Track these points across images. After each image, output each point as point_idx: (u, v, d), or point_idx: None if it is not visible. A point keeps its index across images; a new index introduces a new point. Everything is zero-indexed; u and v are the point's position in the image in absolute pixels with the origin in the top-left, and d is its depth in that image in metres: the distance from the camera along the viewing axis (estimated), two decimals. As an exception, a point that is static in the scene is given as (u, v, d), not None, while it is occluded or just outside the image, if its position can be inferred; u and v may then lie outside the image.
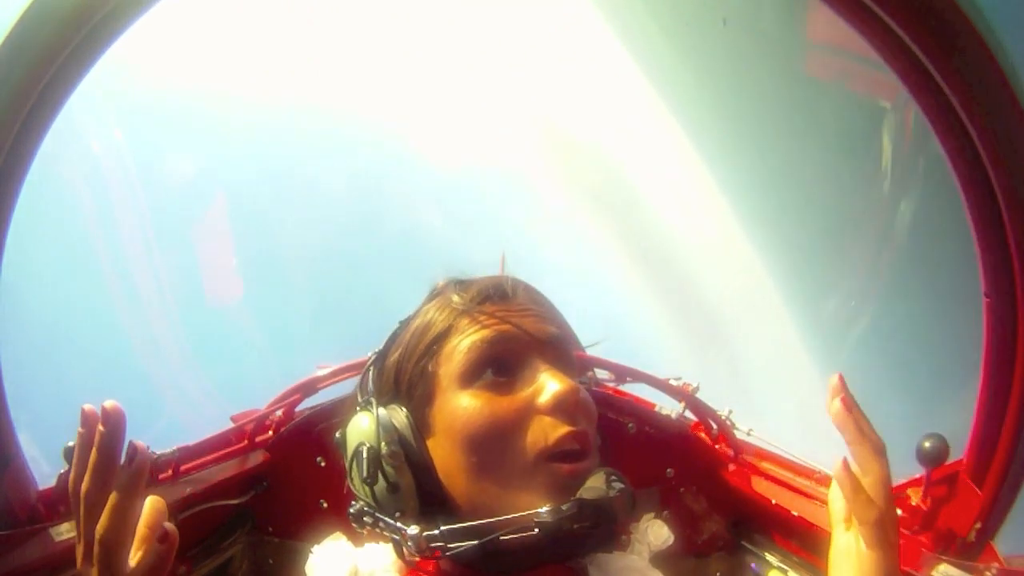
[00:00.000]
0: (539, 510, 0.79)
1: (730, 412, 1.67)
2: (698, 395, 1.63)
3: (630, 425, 1.57)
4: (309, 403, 1.66)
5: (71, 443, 1.20)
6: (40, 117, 0.95)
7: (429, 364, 0.95)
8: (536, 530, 0.78)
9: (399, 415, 0.94)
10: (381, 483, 0.90)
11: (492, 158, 7.94)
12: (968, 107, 0.85)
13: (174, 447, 1.39)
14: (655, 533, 1.20)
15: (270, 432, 1.64)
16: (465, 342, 0.91)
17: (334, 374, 1.64)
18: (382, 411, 0.95)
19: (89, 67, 0.97)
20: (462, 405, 0.88)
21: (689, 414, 1.63)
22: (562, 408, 0.86)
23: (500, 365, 0.90)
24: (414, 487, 0.89)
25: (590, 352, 1.27)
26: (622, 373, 1.69)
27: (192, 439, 1.48)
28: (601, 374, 1.76)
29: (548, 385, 0.86)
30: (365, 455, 0.91)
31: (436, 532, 0.84)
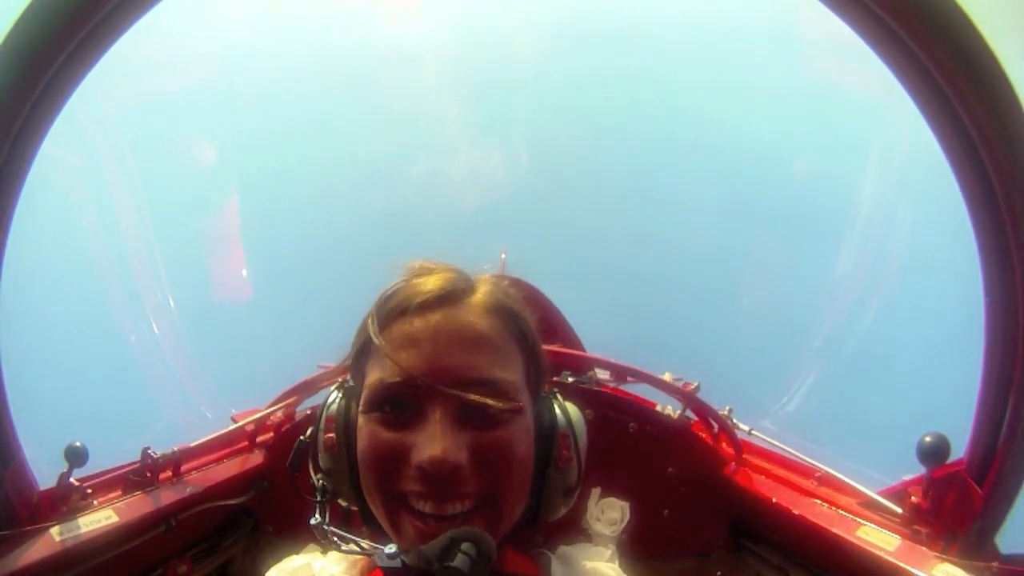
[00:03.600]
0: (382, 548, 0.80)
1: (730, 411, 1.67)
2: (698, 394, 1.63)
3: (631, 424, 1.57)
4: (310, 403, 1.67)
5: (73, 443, 1.21)
6: (40, 117, 0.95)
7: (356, 377, 0.96)
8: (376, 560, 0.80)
9: (344, 402, 0.96)
10: (320, 469, 0.96)
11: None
12: (969, 109, 0.85)
13: (175, 447, 1.39)
14: (609, 517, 1.16)
15: (271, 432, 1.64)
16: (373, 375, 0.89)
17: (333, 374, 1.64)
18: (332, 400, 0.97)
19: (89, 68, 0.98)
20: (361, 427, 0.89)
21: (690, 413, 1.63)
22: (423, 473, 0.81)
23: (396, 405, 0.88)
24: (347, 473, 0.93)
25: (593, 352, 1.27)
26: (623, 372, 1.69)
27: (193, 439, 1.48)
28: (603, 374, 1.77)
29: (423, 446, 0.82)
30: (296, 445, 0.97)
31: (326, 527, 0.88)
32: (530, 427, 0.91)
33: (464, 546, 0.73)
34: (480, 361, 0.87)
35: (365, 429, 0.87)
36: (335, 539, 0.87)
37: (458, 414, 0.84)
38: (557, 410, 0.96)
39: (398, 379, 0.85)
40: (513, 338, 0.94)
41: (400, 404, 0.86)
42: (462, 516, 0.82)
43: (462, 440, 0.82)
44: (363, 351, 0.94)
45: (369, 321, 0.94)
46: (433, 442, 0.80)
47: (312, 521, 0.88)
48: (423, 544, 0.77)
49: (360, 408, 0.90)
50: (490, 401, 0.86)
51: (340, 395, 0.96)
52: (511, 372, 0.90)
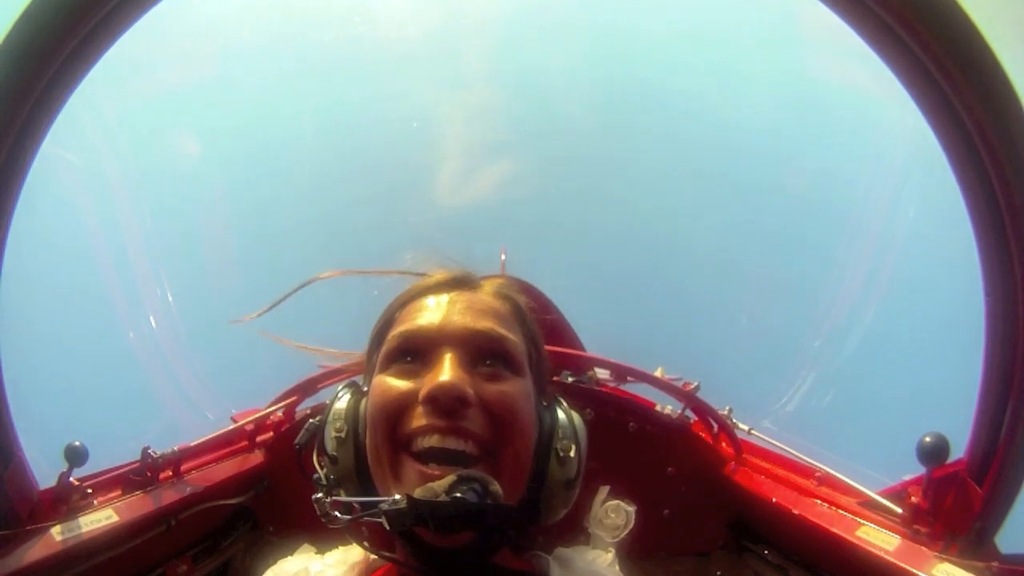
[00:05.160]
0: (386, 498, 0.78)
1: (730, 411, 1.67)
2: (698, 394, 1.63)
3: (631, 424, 1.57)
4: (310, 402, 1.66)
5: (73, 443, 1.21)
6: (40, 117, 0.95)
7: (375, 354, 1.00)
8: (383, 519, 0.78)
9: (354, 399, 0.98)
10: (326, 456, 0.97)
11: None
12: (969, 108, 0.85)
13: (175, 447, 1.39)
14: (612, 521, 1.15)
15: (271, 432, 1.64)
16: (393, 332, 0.96)
17: (333, 373, 1.64)
18: (342, 394, 1.00)
19: (89, 67, 0.98)
20: (375, 384, 0.93)
21: (690, 413, 1.63)
22: (431, 400, 0.84)
23: (414, 353, 0.92)
24: (353, 462, 0.94)
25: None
26: (622, 372, 1.69)
27: (193, 439, 1.48)
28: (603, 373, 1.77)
29: (432, 379, 0.86)
30: (307, 426, 1.00)
31: (327, 500, 0.89)
32: (531, 396, 0.94)
33: (472, 483, 0.76)
34: (487, 321, 0.94)
35: (379, 383, 0.92)
36: (336, 513, 0.87)
37: (467, 364, 0.89)
38: (559, 410, 0.99)
39: (412, 328, 0.93)
40: (517, 321, 1.01)
41: (413, 353, 0.92)
42: (464, 458, 0.84)
43: (470, 380, 0.87)
44: (380, 334, 1.01)
45: (401, 293, 1.02)
46: (442, 374, 0.85)
47: (315, 496, 0.90)
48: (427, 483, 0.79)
49: (376, 372, 0.95)
50: (499, 330, 0.93)
51: (349, 393, 1.00)
52: (516, 338, 0.96)
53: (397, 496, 0.77)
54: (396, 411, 0.88)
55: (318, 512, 0.89)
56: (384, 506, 0.77)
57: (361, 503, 0.84)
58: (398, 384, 0.90)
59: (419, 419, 0.85)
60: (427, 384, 0.86)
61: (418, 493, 0.76)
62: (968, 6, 0.80)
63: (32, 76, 0.89)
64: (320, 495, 0.90)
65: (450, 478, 0.76)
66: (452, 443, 0.84)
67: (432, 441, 0.84)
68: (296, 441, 0.99)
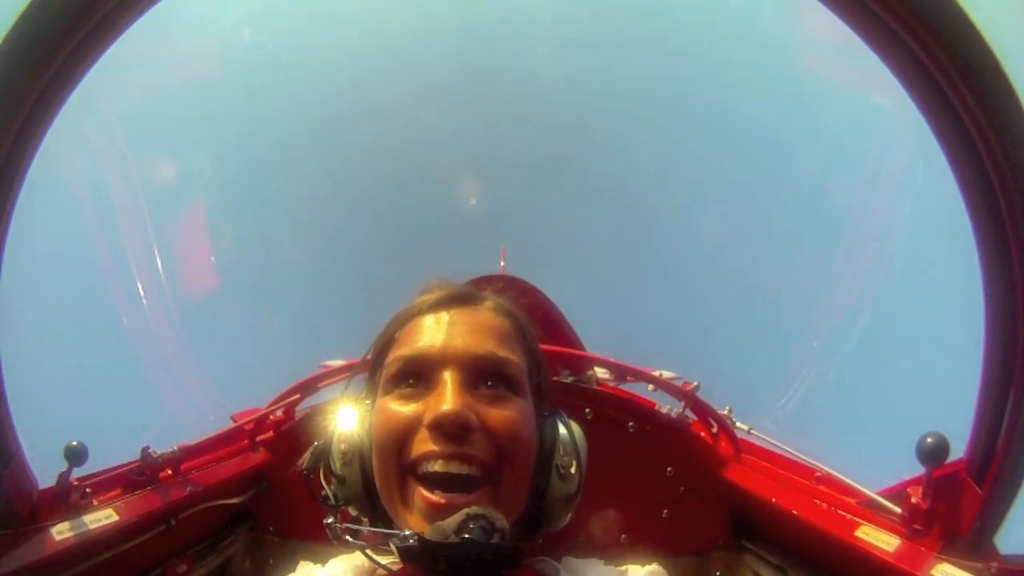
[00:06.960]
0: (398, 532, 0.82)
1: (730, 410, 1.67)
2: (698, 393, 1.63)
3: (630, 424, 1.57)
4: (310, 401, 1.67)
5: (72, 442, 1.21)
6: (40, 117, 0.95)
7: (376, 373, 1.02)
8: (394, 550, 0.81)
9: (357, 419, 0.99)
10: (333, 475, 0.98)
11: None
12: (969, 108, 0.85)
13: (175, 446, 1.39)
14: None
15: (271, 431, 1.64)
16: (394, 354, 0.97)
17: (334, 373, 1.64)
18: (345, 415, 1.01)
19: (89, 67, 0.98)
20: (378, 409, 0.94)
21: (689, 413, 1.63)
22: (435, 427, 0.86)
23: (416, 376, 0.95)
24: (360, 482, 0.96)
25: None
26: (622, 372, 1.69)
27: (193, 438, 1.48)
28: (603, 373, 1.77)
29: (435, 405, 0.88)
30: (312, 449, 0.99)
31: (338, 526, 0.90)
32: (532, 416, 0.95)
33: (479, 521, 0.78)
34: (488, 343, 0.95)
35: (383, 408, 0.93)
36: (348, 537, 0.89)
37: (469, 386, 0.91)
38: (559, 424, 1.00)
39: (414, 352, 0.94)
40: (517, 339, 1.01)
41: (415, 376, 0.93)
42: (467, 481, 0.86)
43: (471, 404, 0.89)
44: (382, 353, 1.02)
45: (400, 312, 1.03)
46: (445, 401, 0.87)
47: (326, 521, 0.92)
48: (433, 514, 0.83)
49: (379, 394, 0.96)
50: (500, 352, 0.94)
51: (353, 413, 1.00)
52: (517, 358, 0.97)
53: (407, 532, 0.81)
54: (401, 437, 0.90)
55: (330, 536, 0.91)
56: (396, 541, 0.81)
57: (373, 533, 0.88)
58: (402, 409, 0.91)
59: (424, 444, 0.88)
60: (431, 410, 0.88)
61: (428, 533, 0.79)
62: (968, 6, 0.80)
63: (32, 76, 0.89)
64: (331, 520, 0.92)
65: (458, 517, 0.79)
66: (456, 468, 0.86)
67: (437, 467, 0.86)
68: (304, 468, 0.99)
